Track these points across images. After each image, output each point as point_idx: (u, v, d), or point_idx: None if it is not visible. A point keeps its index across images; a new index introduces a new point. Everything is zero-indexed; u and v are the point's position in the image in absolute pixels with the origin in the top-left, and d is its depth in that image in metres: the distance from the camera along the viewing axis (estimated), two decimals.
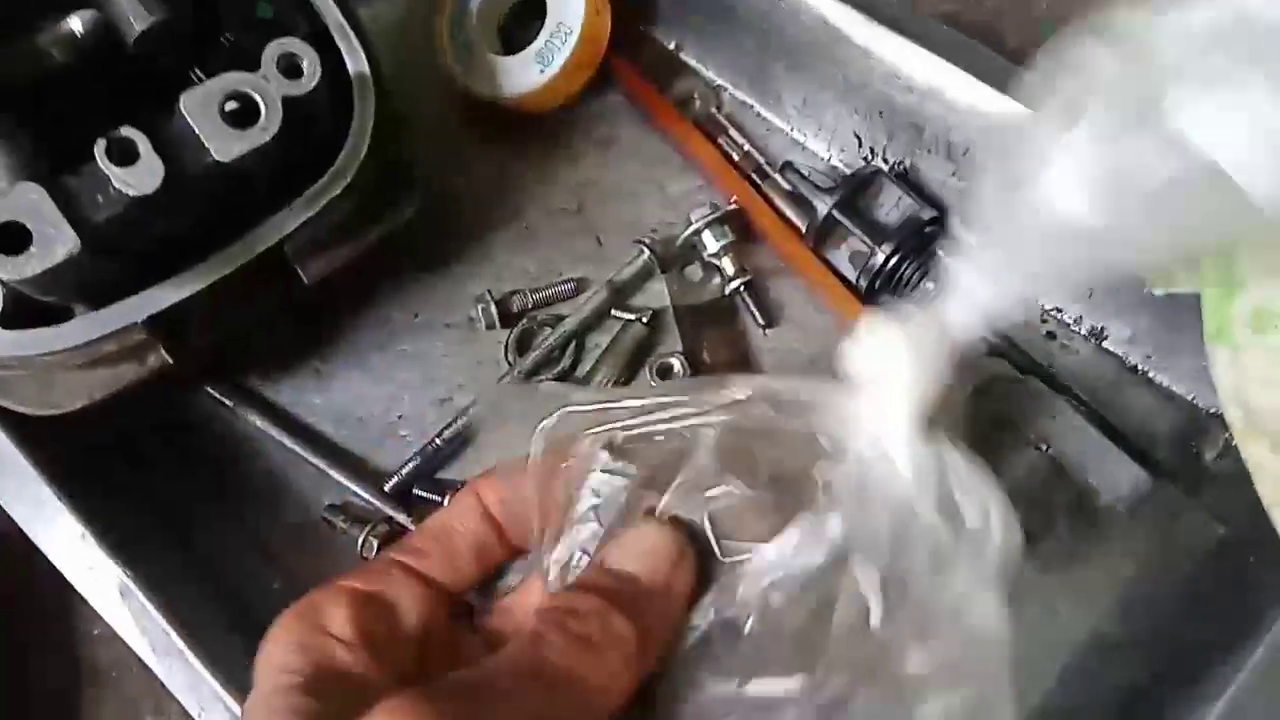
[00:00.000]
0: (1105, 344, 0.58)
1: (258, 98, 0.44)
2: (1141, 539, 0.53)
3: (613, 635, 0.29)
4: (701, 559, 0.33)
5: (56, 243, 0.41)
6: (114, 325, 0.47)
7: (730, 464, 0.33)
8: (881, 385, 0.33)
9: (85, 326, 0.47)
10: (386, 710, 0.26)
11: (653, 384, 0.58)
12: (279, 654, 0.32)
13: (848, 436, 0.33)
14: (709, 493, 0.33)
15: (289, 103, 0.45)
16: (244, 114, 0.44)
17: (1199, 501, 0.53)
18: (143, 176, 0.42)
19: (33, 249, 0.40)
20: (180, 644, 0.46)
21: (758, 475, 0.33)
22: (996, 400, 0.51)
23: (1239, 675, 0.41)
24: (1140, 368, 0.57)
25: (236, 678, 0.46)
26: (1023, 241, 0.31)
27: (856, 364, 0.33)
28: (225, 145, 0.44)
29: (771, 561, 0.31)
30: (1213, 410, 0.55)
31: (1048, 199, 0.29)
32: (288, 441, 0.58)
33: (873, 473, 0.32)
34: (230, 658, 0.47)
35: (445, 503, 0.54)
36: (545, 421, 0.36)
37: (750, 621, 0.31)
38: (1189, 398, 0.56)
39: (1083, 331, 0.58)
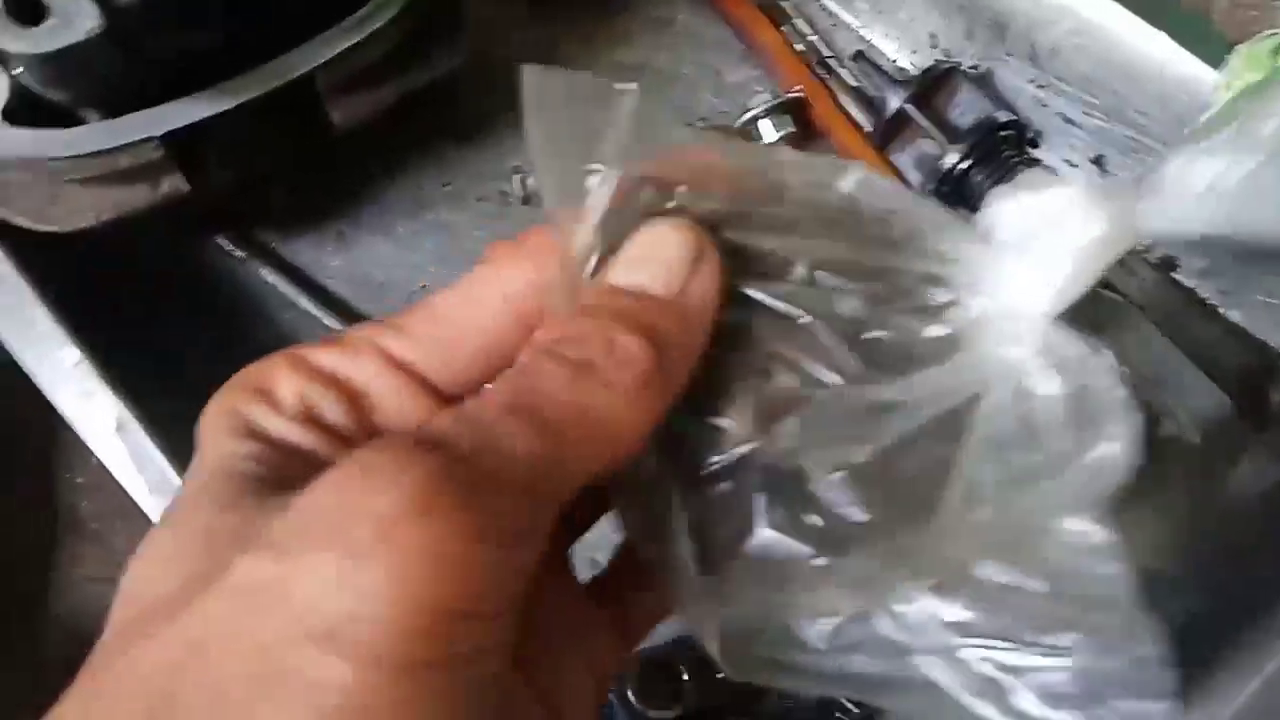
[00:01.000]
0: (1176, 274, 0.54)
1: None
2: (1202, 473, 0.50)
3: (621, 356, 0.22)
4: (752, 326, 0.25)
5: (77, 18, 0.37)
6: (130, 136, 0.43)
7: (828, 230, 0.25)
8: (1034, 255, 0.26)
9: (98, 133, 0.43)
10: (357, 463, 0.19)
11: None
12: (212, 420, 0.23)
13: (977, 297, 0.26)
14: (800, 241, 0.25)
15: None
16: None
17: (1264, 442, 0.50)
18: None
19: (53, 19, 0.36)
20: (177, 480, 0.42)
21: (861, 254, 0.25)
22: (1067, 316, 0.47)
23: None
24: (1211, 301, 0.54)
25: None
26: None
27: (1007, 220, 0.26)
28: None
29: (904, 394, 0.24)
30: None
31: None
32: (301, 300, 0.54)
33: (1003, 349, 0.25)
34: None
35: None
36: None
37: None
38: (1259, 337, 0.53)
39: (1153, 258, 0.55)
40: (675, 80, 0.61)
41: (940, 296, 0.26)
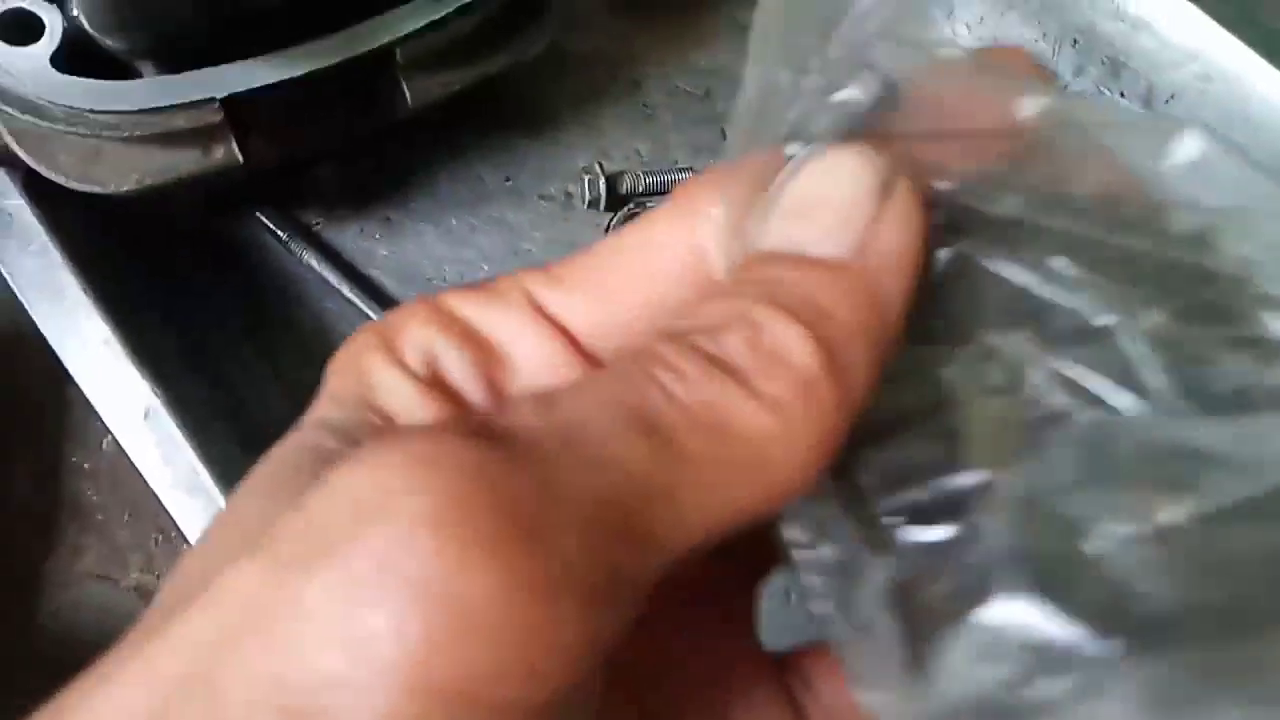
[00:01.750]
0: None
1: None
2: None
3: (772, 354, 0.16)
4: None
5: None
6: (188, 95, 0.40)
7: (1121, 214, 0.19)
8: None
9: (154, 89, 0.40)
10: (381, 452, 0.14)
11: None
12: (331, 377, 0.20)
13: None
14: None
15: None
16: None
17: None
18: None
19: None
20: (209, 482, 0.39)
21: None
22: None
23: None
24: None
25: None
26: None
27: None
28: None
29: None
30: None
31: None
32: (344, 289, 0.51)
33: None
34: None
35: None
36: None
37: None
38: None
39: None
40: None
41: None
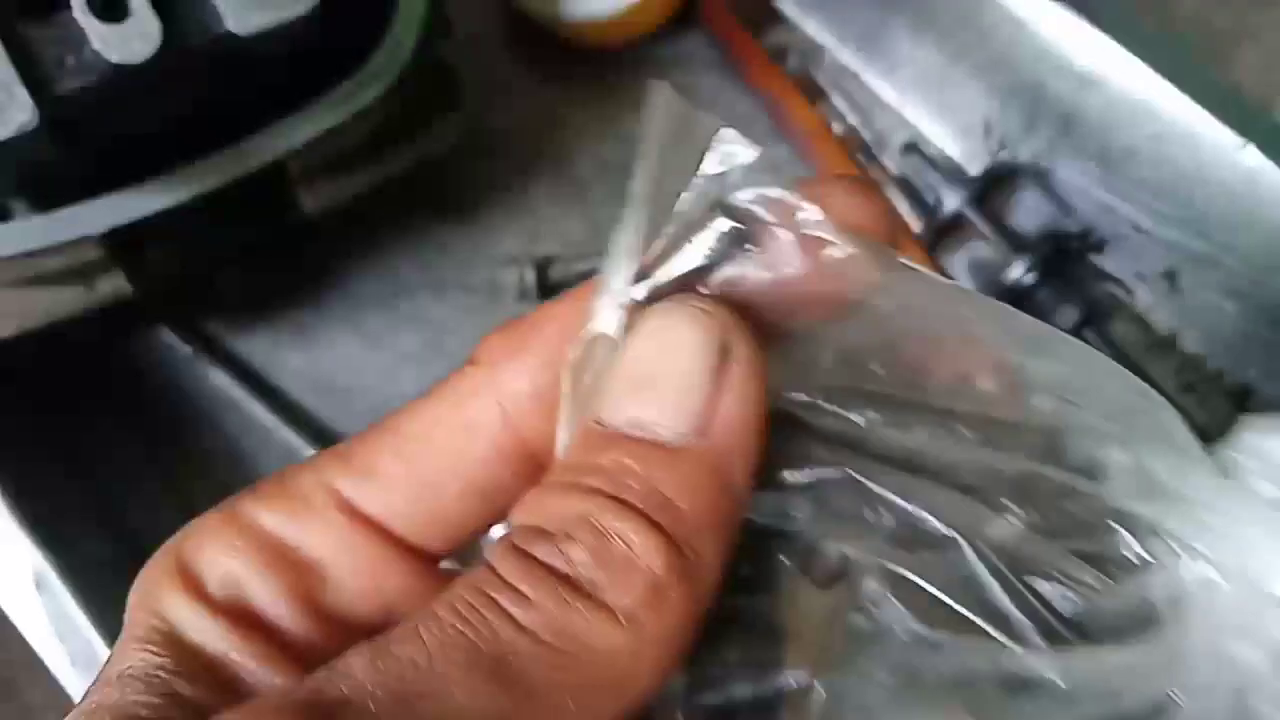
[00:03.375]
0: (1248, 404, 0.52)
1: None
2: None
3: (620, 561, 0.16)
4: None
5: (8, 109, 0.32)
6: (65, 235, 0.39)
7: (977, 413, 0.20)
8: None
9: (27, 231, 0.39)
10: None
11: None
12: (132, 612, 0.19)
13: (1197, 561, 0.19)
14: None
15: None
16: None
17: None
18: (131, 39, 0.33)
19: None
20: (101, 646, 0.37)
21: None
22: None
23: None
24: None
25: None
26: None
27: (1272, 463, 0.20)
28: (244, 13, 0.35)
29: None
30: None
31: None
32: (254, 405, 0.50)
33: (1227, 645, 0.19)
34: None
35: None
36: (741, 194, 0.20)
37: None
38: None
39: (1225, 386, 0.52)
40: None
41: (1136, 546, 0.19)
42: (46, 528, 0.40)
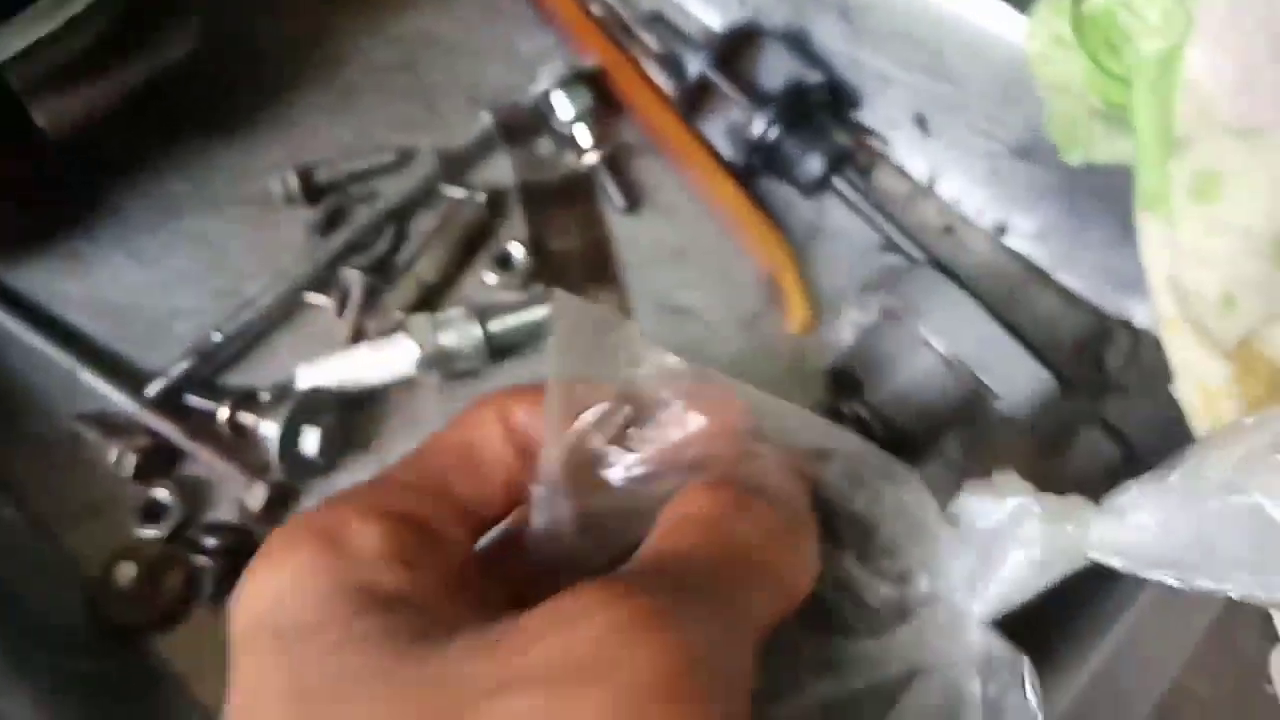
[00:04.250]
0: (1007, 240, 0.53)
1: None
2: (1036, 455, 0.49)
3: (794, 524, 0.26)
4: None
5: None
6: None
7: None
8: (987, 557, 0.29)
9: None
10: (586, 599, 0.20)
11: (489, 278, 0.50)
12: (295, 580, 0.22)
13: (926, 575, 0.30)
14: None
15: None
16: None
17: (1099, 414, 0.49)
18: None
19: None
20: None
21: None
22: (889, 294, 0.45)
23: (1141, 595, 0.38)
24: (1043, 267, 0.53)
25: None
26: None
27: (972, 516, 0.30)
28: None
29: None
30: (1119, 315, 0.52)
31: None
32: (29, 337, 0.49)
33: (938, 638, 0.29)
34: None
35: (224, 413, 0.46)
36: (638, 370, 0.28)
37: None
38: (1094, 301, 0.52)
39: (984, 225, 0.54)
40: (461, 53, 0.57)
41: (899, 565, 0.29)
42: None
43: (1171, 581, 0.30)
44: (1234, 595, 0.28)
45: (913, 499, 0.30)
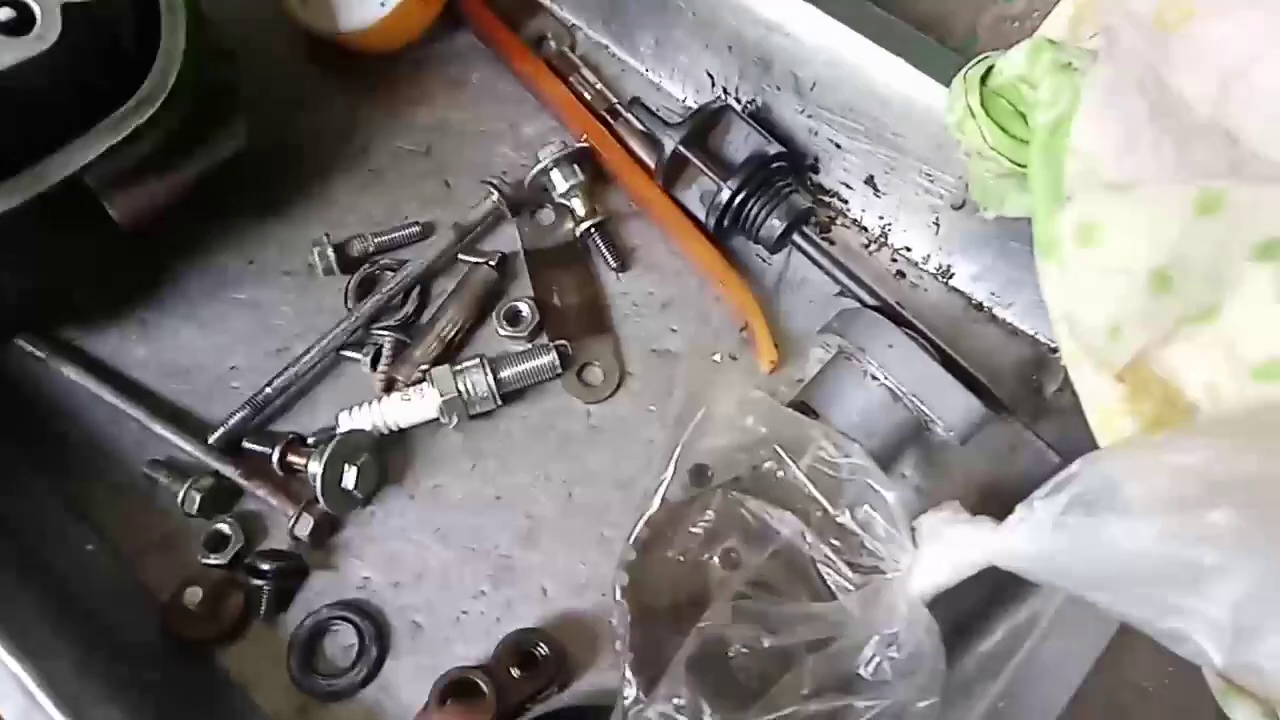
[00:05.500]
0: (952, 282, 0.58)
1: (33, 4, 0.40)
2: (982, 471, 0.53)
3: None
4: None
5: None
6: None
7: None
8: (931, 559, 0.42)
9: None
10: None
11: (501, 331, 0.56)
12: None
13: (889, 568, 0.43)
14: None
15: (71, 12, 0.41)
16: (18, 22, 0.40)
17: (1037, 434, 0.54)
18: None
19: None
20: None
21: None
22: (837, 332, 0.50)
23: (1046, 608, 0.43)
24: (985, 304, 0.57)
25: (27, 642, 0.42)
26: None
27: (926, 531, 0.42)
28: None
29: None
30: (1054, 345, 0.56)
31: None
32: (107, 395, 0.54)
33: (880, 609, 0.41)
34: (25, 621, 0.44)
35: (275, 455, 0.51)
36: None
37: None
38: (1031, 333, 0.57)
39: (931, 269, 0.58)
40: (473, 137, 0.62)
41: (869, 559, 0.43)
42: None
43: (1062, 588, 0.39)
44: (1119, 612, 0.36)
45: (889, 502, 0.43)
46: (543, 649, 0.47)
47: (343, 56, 0.62)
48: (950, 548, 0.40)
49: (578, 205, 0.58)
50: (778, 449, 0.45)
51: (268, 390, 0.53)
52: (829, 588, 0.44)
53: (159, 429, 0.53)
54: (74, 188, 0.48)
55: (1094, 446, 0.45)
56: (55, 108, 0.45)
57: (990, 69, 0.44)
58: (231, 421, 0.53)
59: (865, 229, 0.60)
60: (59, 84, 0.43)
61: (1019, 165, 0.44)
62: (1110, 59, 0.41)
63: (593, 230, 0.58)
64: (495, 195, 0.58)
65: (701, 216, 0.57)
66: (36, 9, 0.40)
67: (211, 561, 0.50)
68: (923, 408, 0.47)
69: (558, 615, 0.51)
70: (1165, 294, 0.39)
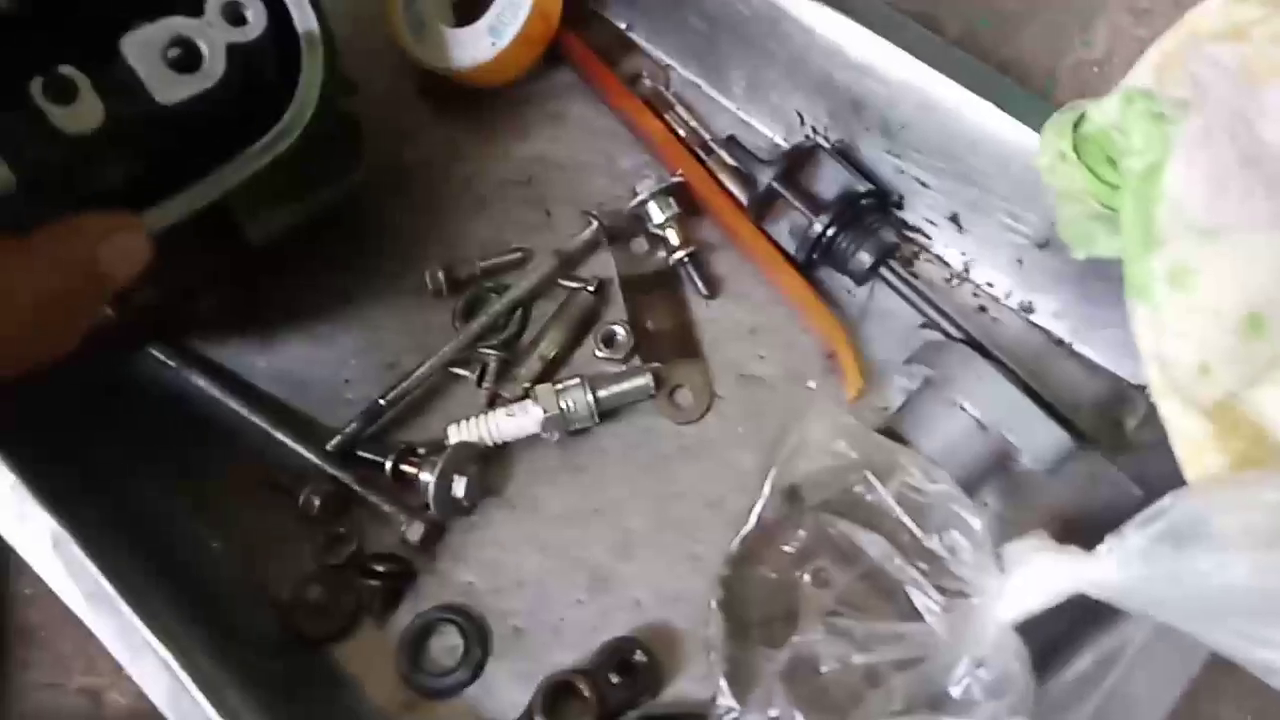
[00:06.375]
0: (1033, 317, 0.59)
1: (200, 43, 0.43)
2: (1064, 501, 0.54)
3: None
4: None
5: None
6: None
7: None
8: (1019, 585, 0.42)
9: None
10: None
11: (598, 353, 0.58)
12: None
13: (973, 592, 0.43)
14: None
15: (233, 51, 0.44)
16: (187, 60, 0.43)
17: (1119, 465, 0.54)
18: (81, 115, 0.41)
19: None
20: (110, 590, 0.45)
21: None
22: (929, 366, 0.51)
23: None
24: (1066, 340, 0.58)
25: (168, 628, 0.45)
26: None
27: (1013, 558, 0.42)
28: (167, 88, 0.43)
29: None
30: (1134, 382, 0.56)
31: None
32: (231, 402, 0.57)
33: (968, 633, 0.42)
34: (163, 611, 0.46)
35: (390, 464, 0.54)
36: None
37: None
38: (1111, 369, 0.57)
39: (1012, 305, 0.59)
40: (570, 169, 0.65)
41: (955, 583, 0.43)
42: (57, 501, 0.47)
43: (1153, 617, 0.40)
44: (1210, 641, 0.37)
45: (977, 528, 0.43)
46: (640, 656, 0.49)
47: (450, 89, 0.65)
48: (1039, 574, 0.41)
49: (671, 236, 0.60)
50: (867, 474, 0.46)
51: (380, 402, 0.56)
52: (915, 609, 0.44)
53: (280, 436, 0.56)
54: (216, 208, 0.51)
55: (1176, 481, 0.45)
56: (211, 136, 0.48)
57: (1082, 116, 0.45)
58: (348, 431, 0.55)
59: (948, 264, 0.61)
60: (218, 115, 0.46)
61: (1109, 208, 0.45)
62: (1201, 109, 0.42)
63: (685, 259, 0.60)
64: (595, 224, 0.61)
65: (790, 249, 0.59)
66: (204, 47, 0.43)
67: (328, 562, 0.53)
68: (1010, 438, 0.48)
69: (649, 626, 0.52)
70: (1257, 338, 0.40)
